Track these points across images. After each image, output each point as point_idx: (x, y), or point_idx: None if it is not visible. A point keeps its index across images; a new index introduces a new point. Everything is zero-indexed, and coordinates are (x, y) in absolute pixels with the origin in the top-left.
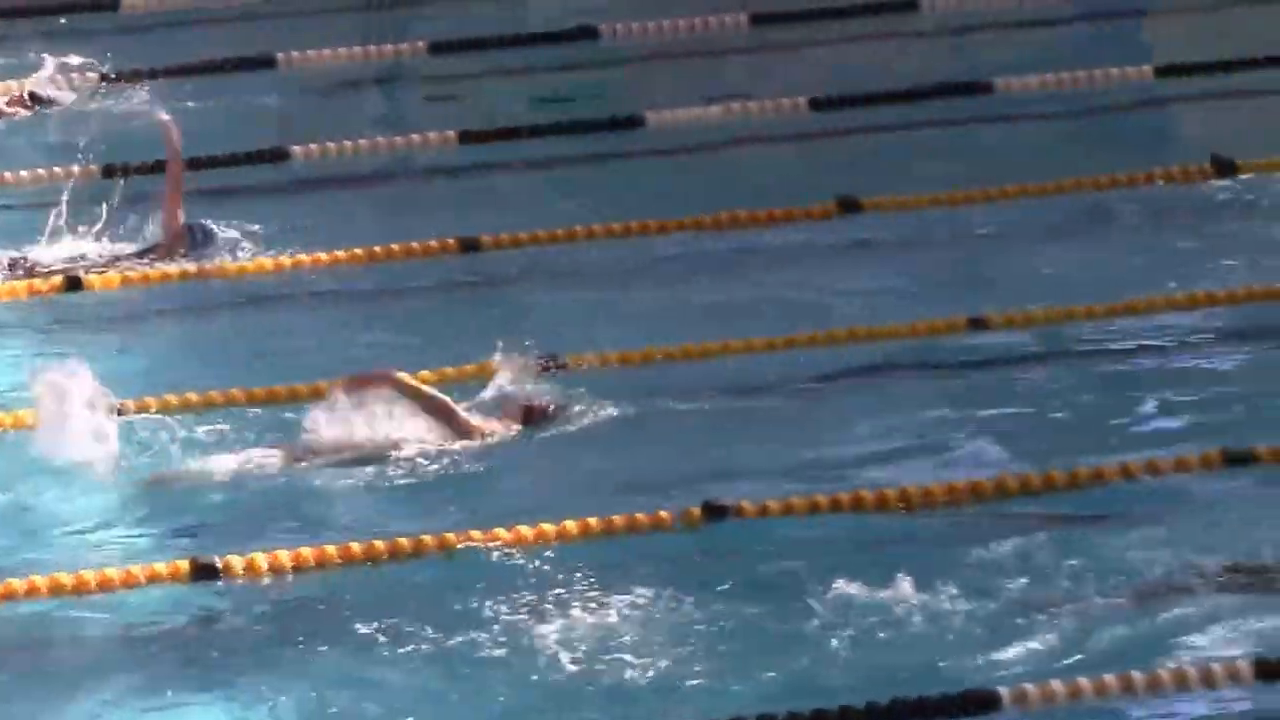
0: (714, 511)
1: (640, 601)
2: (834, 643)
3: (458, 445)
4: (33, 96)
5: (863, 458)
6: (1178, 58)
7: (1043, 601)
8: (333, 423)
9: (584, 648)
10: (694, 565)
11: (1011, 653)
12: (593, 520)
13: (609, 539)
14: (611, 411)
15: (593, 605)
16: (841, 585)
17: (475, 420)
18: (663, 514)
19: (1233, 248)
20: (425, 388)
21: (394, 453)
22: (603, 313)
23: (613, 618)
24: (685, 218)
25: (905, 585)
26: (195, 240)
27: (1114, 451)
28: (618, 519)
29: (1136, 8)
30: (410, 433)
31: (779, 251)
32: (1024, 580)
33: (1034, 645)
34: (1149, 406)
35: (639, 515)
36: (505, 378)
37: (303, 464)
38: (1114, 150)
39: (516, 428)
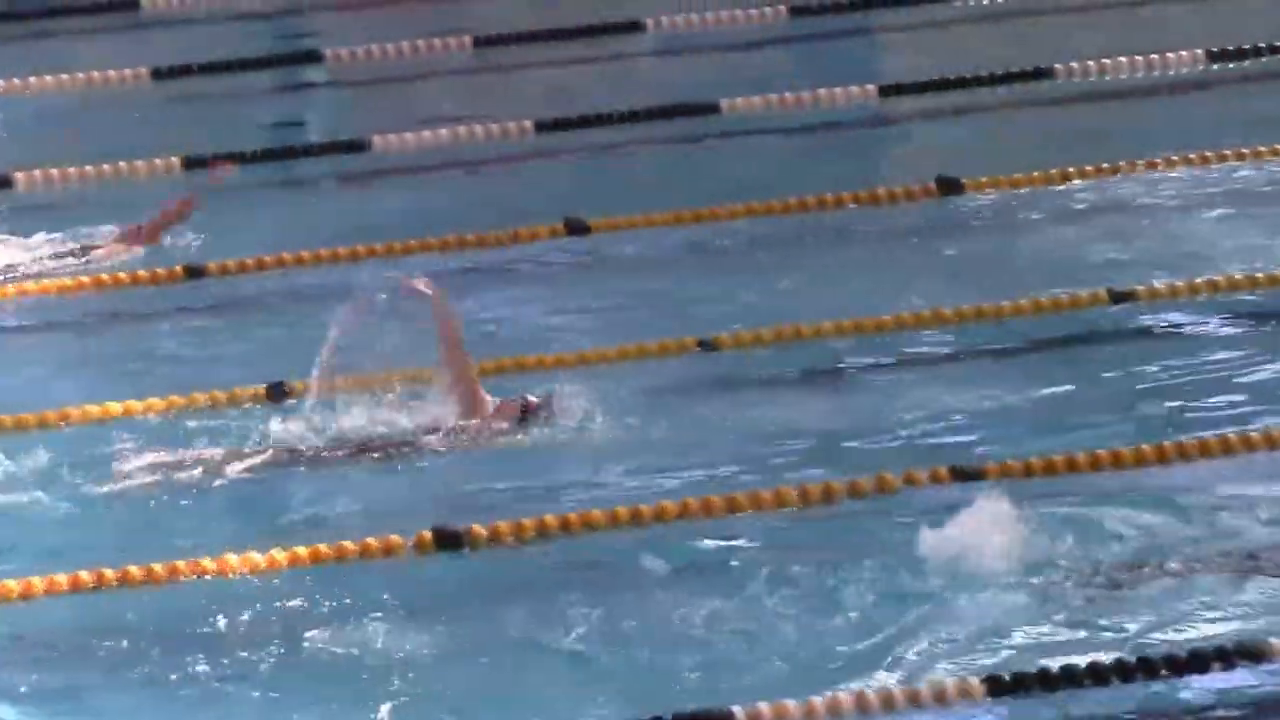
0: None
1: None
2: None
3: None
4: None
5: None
6: (902, 77)
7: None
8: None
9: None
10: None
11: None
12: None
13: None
14: None
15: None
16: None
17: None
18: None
19: (959, 265)
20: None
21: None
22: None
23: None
24: (411, 240)
25: None
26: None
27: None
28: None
29: (859, 27)
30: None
31: (507, 273)
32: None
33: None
34: (886, 425)
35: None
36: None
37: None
38: (840, 169)
39: (513, 422)
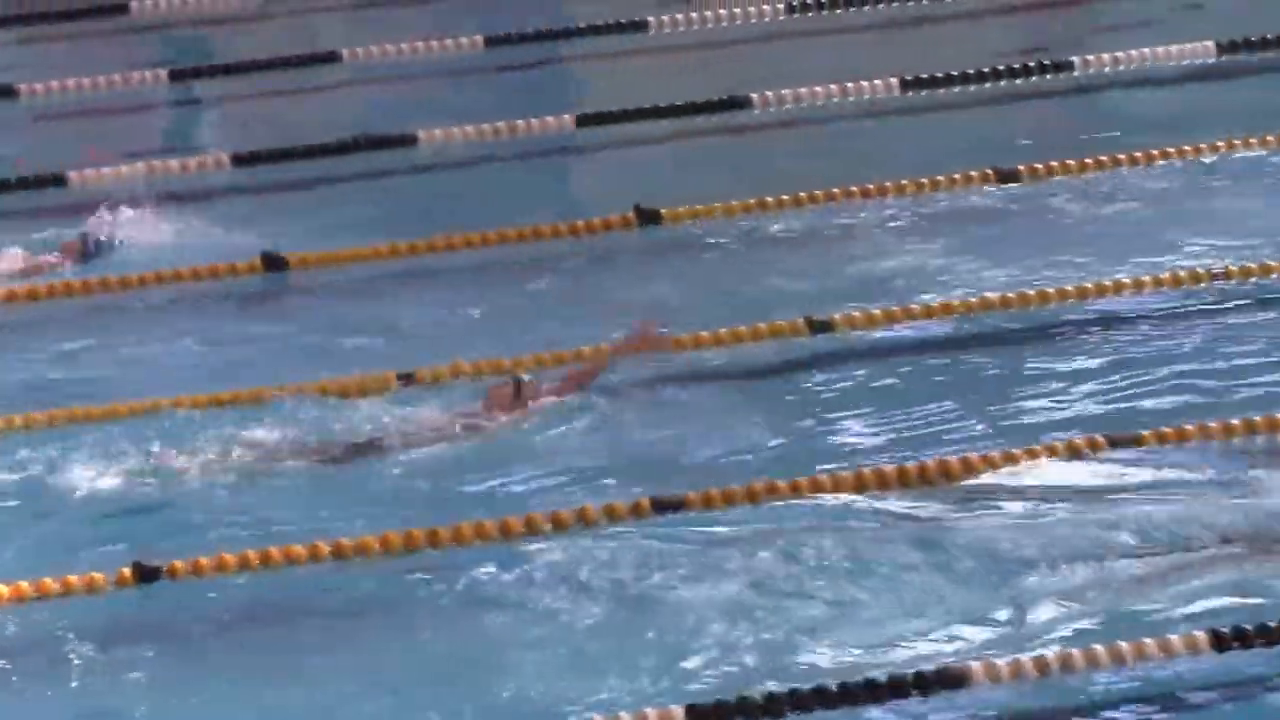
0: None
1: None
2: None
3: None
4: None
5: None
6: (600, 107)
7: None
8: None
9: None
10: None
11: None
12: None
13: None
14: None
15: None
16: None
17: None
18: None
19: (659, 295)
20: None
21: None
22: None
23: None
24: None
25: None
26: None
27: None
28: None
29: (556, 57)
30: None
31: (202, 306)
32: None
33: None
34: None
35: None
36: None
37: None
38: (539, 200)
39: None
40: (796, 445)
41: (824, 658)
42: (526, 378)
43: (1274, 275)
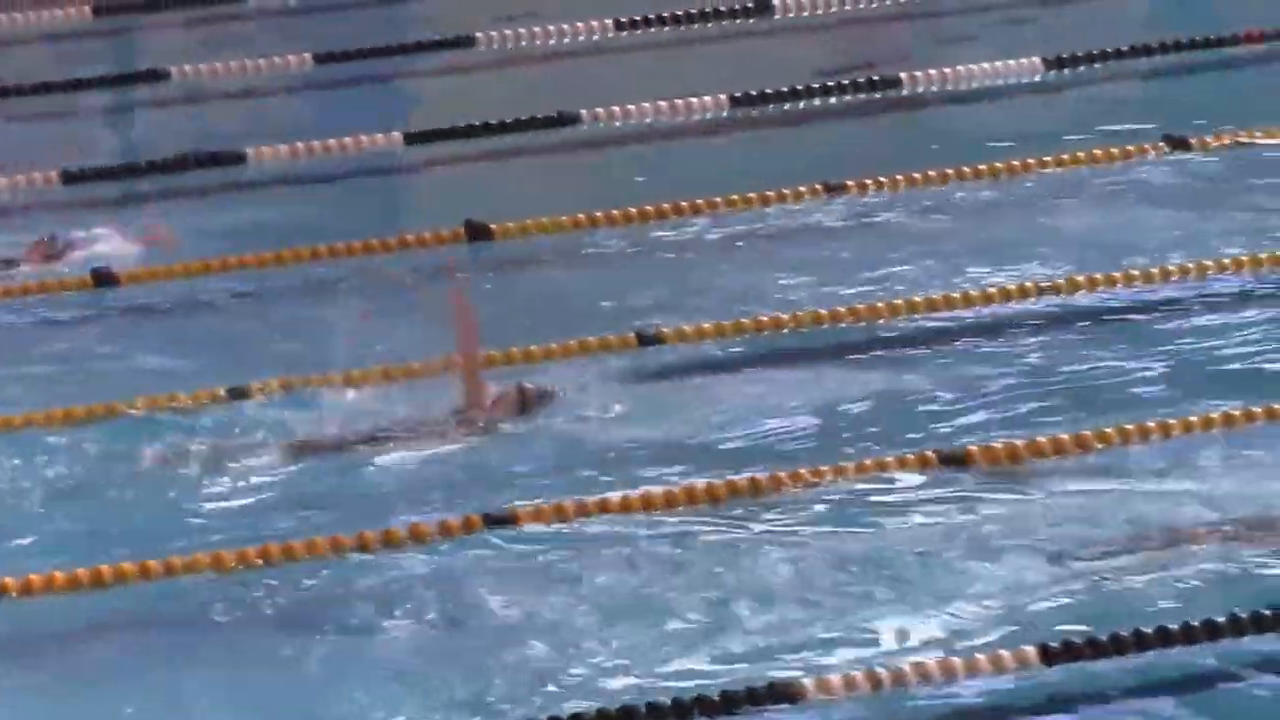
0: None
1: None
2: None
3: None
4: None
5: None
6: (428, 124)
7: None
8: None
9: None
10: None
11: None
12: None
13: None
14: None
15: None
16: None
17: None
18: None
19: (489, 311)
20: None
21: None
22: None
23: None
24: None
25: None
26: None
27: None
28: None
29: (384, 74)
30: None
31: (36, 331)
32: None
33: None
34: None
35: None
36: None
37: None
38: (368, 217)
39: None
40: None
41: (644, 674)
42: (529, 385)
43: (1100, 289)
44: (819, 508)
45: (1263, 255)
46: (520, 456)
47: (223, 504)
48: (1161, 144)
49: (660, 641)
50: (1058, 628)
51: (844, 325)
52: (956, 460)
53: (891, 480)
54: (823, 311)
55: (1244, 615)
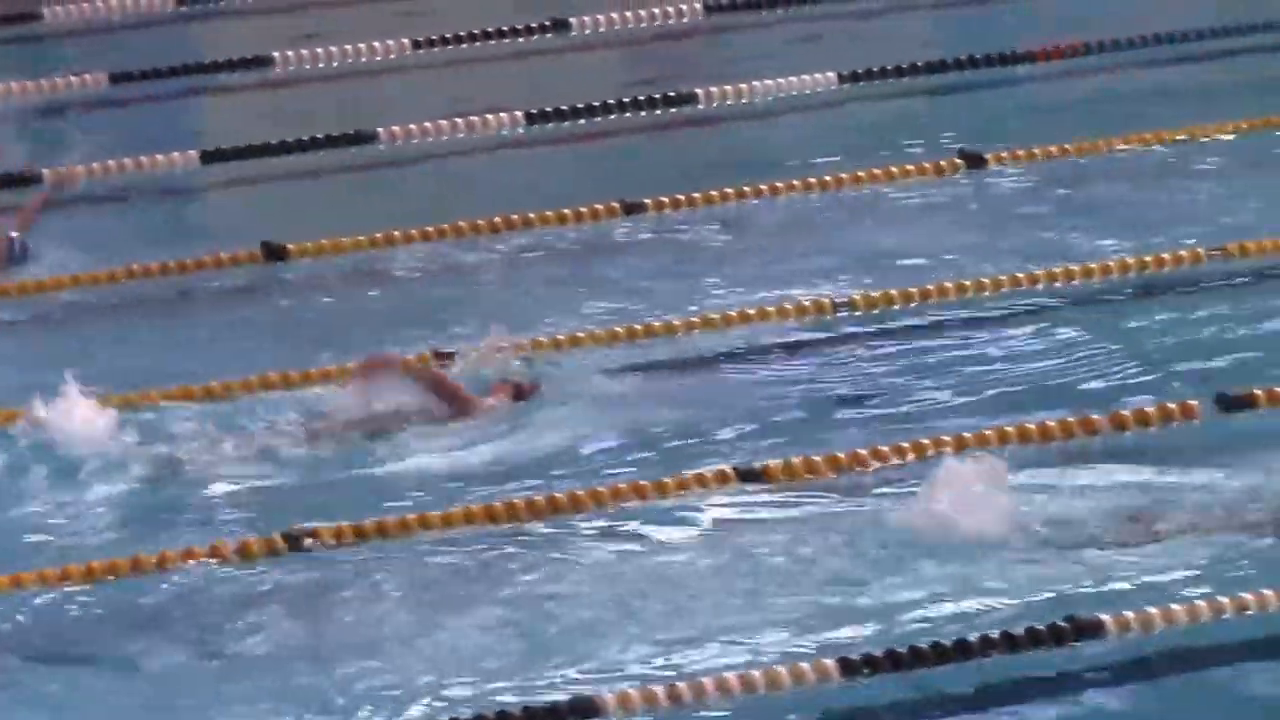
0: None
1: None
2: None
3: (455, 423)
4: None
5: None
6: (225, 142)
7: None
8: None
9: None
10: None
11: None
12: None
13: None
14: None
15: None
16: None
17: (476, 399)
18: None
19: (285, 331)
20: (431, 369)
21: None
22: None
23: None
24: None
25: None
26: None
27: None
28: None
29: (180, 92)
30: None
31: None
32: None
33: None
34: None
35: None
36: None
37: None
38: (165, 236)
39: (508, 405)
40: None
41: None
42: (526, 381)
43: (896, 306)
44: (623, 524)
45: (1057, 269)
46: (320, 477)
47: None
48: (958, 160)
49: (462, 659)
50: (852, 640)
51: (646, 343)
52: (754, 476)
53: (694, 496)
54: (619, 329)
55: (1019, 633)
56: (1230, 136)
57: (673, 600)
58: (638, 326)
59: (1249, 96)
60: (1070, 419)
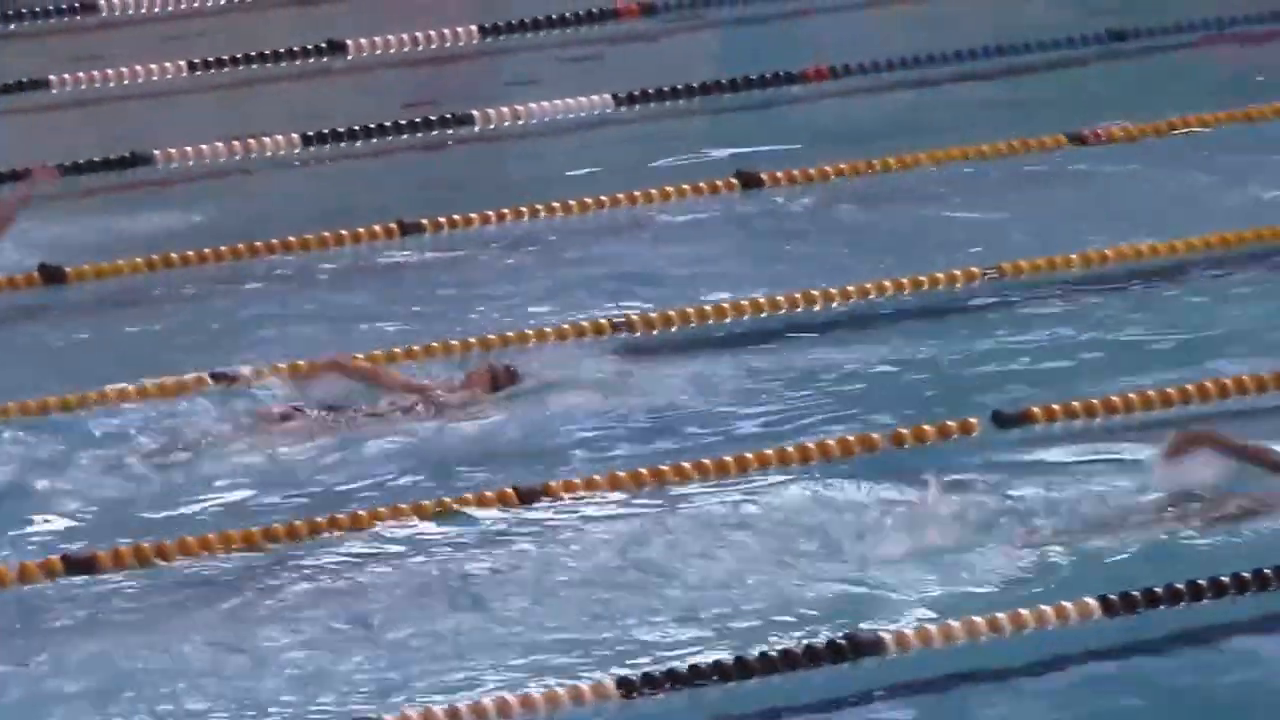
0: None
1: None
2: None
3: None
4: None
5: None
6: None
7: None
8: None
9: None
10: None
11: None
12: None
13: None
14: None
15: None
16: None
17: (441, 388)
18: None
19: (63, 358)
20: (373, 367)
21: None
22: None
23: None
24: None
25: None
26: None
27: None
28: None
29: None
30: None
31: None
32: None
33: None
34: None
35: None
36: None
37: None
38: None
39: (484, 393)
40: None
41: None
42: (504, 365)
43: (674, 326)
44: (397, 547)
45: (834, 290)
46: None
47: None
48: (733, 179)
49: (246, 687)
50: (636, 662)
51: (425, 362)
52: (533, 496)
53: (471, 517)
54: (398, 350)
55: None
56: (999, 157)
57: (456, 620)
58: (416, 348)
59: (1019, 117)
60: (849, 437)
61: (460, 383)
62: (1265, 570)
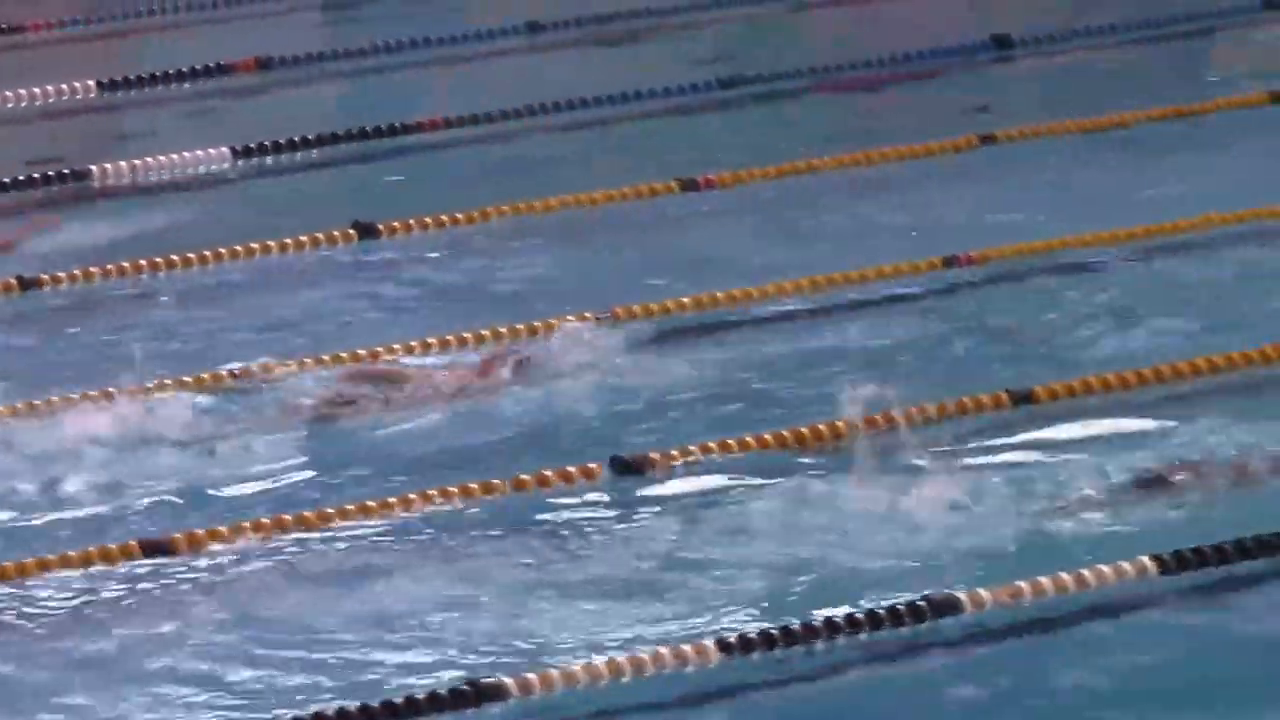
0: None
1: None
2: None
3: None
4: None
5: None
6: None
7: None
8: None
9: None
10: None
11: None
12: None
13: None
14: None
15: None
16: None
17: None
18: None
19: None
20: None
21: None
22: None
23: None
24: None
25: None
26: None
27: None
28: None
29: None
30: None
31: None
32: None
33: None
34: None
35: None
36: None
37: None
38: None
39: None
40: None
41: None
42: (525, 354)
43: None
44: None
45: (449, 337)
46: None
47: None
48: (350, 230)
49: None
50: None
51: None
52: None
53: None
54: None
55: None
56: (610, 204)
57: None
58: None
59: (637, 163)
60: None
61: None
62: None
